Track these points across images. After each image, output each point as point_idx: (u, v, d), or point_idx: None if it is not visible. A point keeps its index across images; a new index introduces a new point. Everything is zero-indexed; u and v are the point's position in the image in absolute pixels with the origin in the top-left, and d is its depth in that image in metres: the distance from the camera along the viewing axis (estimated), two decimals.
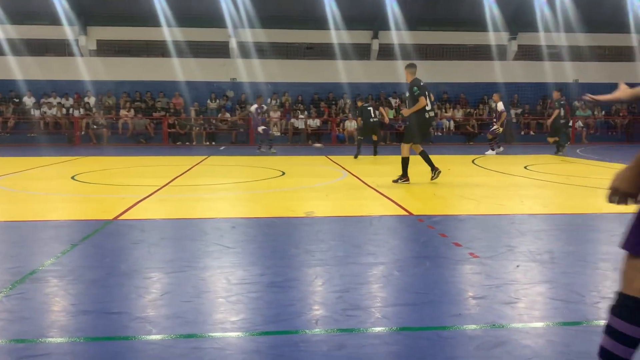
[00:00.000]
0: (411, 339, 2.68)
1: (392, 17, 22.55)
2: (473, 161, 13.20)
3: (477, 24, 23.20)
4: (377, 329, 2.78)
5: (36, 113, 21.01)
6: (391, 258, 4.18)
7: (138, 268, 3.88)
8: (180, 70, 22.42)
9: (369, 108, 14.51)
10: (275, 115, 21.71)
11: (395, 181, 8.55)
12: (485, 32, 23.42)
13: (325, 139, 21.65)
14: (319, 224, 5.50)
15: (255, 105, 15.79)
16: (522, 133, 22.42)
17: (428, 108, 8.48)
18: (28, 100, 21.44)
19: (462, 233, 5.06)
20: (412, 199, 7.26)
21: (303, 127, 21.71)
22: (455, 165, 12.02)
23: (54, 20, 21.58)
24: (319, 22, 22.52)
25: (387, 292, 3.39)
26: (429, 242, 4.70)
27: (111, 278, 3.62)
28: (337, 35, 22.78)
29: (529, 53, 24.29)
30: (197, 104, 22.06)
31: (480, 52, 24.16)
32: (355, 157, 13.74)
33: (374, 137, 14.82)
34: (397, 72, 22.57)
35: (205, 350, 2.53)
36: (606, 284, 3.57)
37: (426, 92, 8.51)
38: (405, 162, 8.55)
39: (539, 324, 2.85)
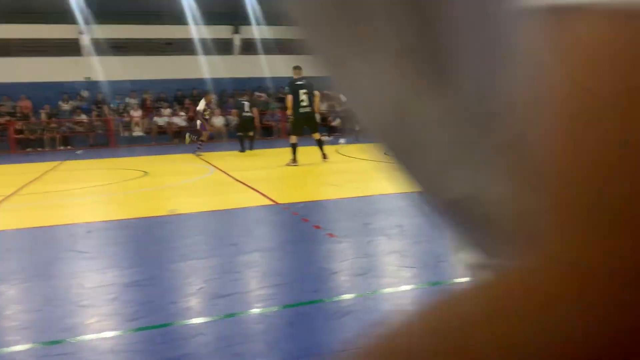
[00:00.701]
0: (273, 318, 2.78)
1: (252, 12, 22.64)
2: (337, 151, 13.75)
3: None
4: (239, 314, 2.85)
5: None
6: (254, 246, 4.27)
7: None
8: (25, 70, 20.52)
9: (243, 102, 14.75)
10: (136, 114, 20.78)
11: (288, 164, 9.76)
12: None
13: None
14: (183, 221, 5.42)
15: (204, 103, 14.75)
16: None
17: (304, 104, 9.67)
18: None
19: (322, 216, 5.30)
20: (279, 189, 7.42)
21: (167, 124, 21.01)
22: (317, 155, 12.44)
23: None
24: (178, 17, 21.91)
25: (250, 279, 3.47)
26: (292, 228, 4.87)
27: None
28: (197, 30, 22.35)
29: None
30: (48, 107, 20.33)
31: None
32: (242, 151, 13.88)
33: (250, 133, 14.72)
34: (261, 66, 22.78)
35: (56, 356, 2.42)
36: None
37: (300, 90, 9.65)
38: (292, 148, 9.76)
39: (387, 290, 3.11)
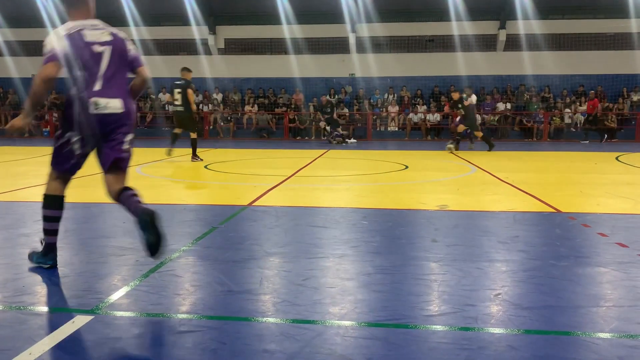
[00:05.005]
0: (603, 346, 2.32)
1: (520, 6, 21.21)
2: (617, 158, 11.95)
3: (616, 10, 21.10)
4: (548, 333, 2.45)
5: (170, 109, 22.56)
6: (549, 257, 3.76)
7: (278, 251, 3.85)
8: (299, 67, 22.89)
9: None
10: (393, 109, 21.45)
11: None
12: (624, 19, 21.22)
13: (445, 135, 20.98)
14: (454, 218, 5.18)
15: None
16: None
17: None
18: (163, 97, 23.07)
19: (623, 233, 4.47)
20: (556, 196, 6.63)
21: (420, 121, 21.16)
22: (599, 162, 10.97)
23: (185, 21, 22.98)
24: (441, 14, 21.83)
25: (557, 293, 3.02)
26: (587, 242, 4.20)
27: (252, 261, 3.62)
28: (460, 27, 21.90)
29: None
30: (315, 100, 22.35)
31: (621, 41, 21.92)
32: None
33: None
34: (524, 63, 21.33)
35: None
36: None
37: None
38: None
39: None
